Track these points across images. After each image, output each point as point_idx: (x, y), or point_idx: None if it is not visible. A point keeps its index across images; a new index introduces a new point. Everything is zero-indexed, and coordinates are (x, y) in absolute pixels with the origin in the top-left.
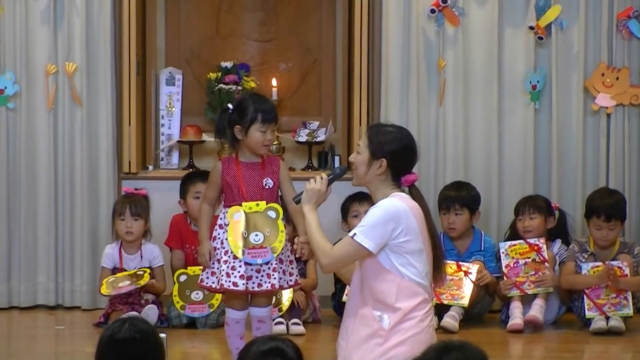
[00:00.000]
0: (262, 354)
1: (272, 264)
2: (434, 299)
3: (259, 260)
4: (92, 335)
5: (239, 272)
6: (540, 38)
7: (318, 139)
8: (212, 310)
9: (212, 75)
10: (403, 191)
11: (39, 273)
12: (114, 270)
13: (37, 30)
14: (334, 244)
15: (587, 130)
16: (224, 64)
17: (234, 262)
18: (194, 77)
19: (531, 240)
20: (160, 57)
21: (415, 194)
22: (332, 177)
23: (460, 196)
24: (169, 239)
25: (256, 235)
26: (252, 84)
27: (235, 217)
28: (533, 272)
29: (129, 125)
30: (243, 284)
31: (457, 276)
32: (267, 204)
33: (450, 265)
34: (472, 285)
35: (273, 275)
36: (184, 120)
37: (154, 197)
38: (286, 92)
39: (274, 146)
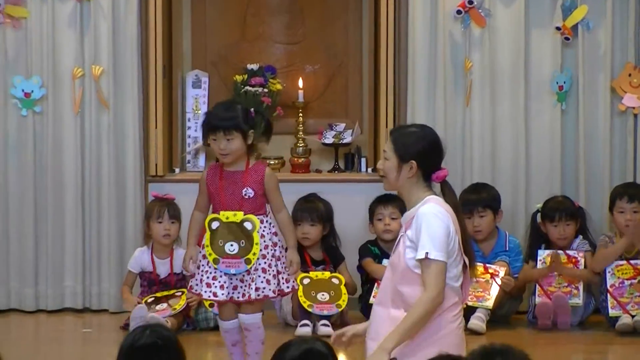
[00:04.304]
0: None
1: (252, 274)
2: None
3: (232, 271)
4: (119, 339)
5: (219, 282)
6: (567, 39)
7: (344, 141)
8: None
9: (238, 78)
10: (434, 193)
11: (66, 276)
12: (142, 275)
13: (63, 34)
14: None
15: (614, 130)
16: (250, 67)
17: (215, 272)
18: (220, 79)
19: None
20: (187, 59)
21: (447, 189)
22: None
23: (482, 198)
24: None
25: (231, 245)
26: (279, 86)
27: (213, 226)
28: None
29: (156, 128)
30: (223, 294)
31: (483, 278)
32: (244, 215)
33: (477, 267)
34: (497, 287)
35: (251, 285)
36: None
37: (180, 199)
38: (312, 94)
39: (300, 148)
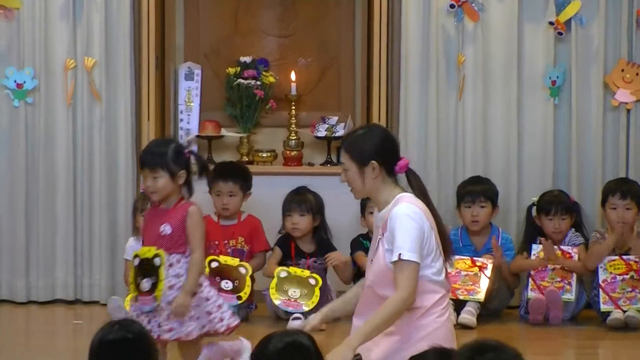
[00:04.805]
0: (280, 352)
1: (161, 313)
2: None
3: (146, 307)
4: None
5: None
6: (560, 34)
7: (337, 134)
8: (240, 302)
9: (231, 70)
10: (403, 188)
11: (57, 268)
12: None
13: (56, 25)
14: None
15: (606, 126)
16: (242, 59)
17: (136, 312)
18: (213, 72)
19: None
20: (179, 52)
21: (411, 176)
22: None
23: (484, 189)
24: None
25: (146, 281)
26: (271, 79)
27: (135, 263)
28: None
29: (148, 120)
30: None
31: (472, 271)
32: (156, 250)
33: (465, 261)
34: (487, 280)
35: (163, 325)
36: (202, 116)
37: None
38: (305, 87)
39: (292, 141)
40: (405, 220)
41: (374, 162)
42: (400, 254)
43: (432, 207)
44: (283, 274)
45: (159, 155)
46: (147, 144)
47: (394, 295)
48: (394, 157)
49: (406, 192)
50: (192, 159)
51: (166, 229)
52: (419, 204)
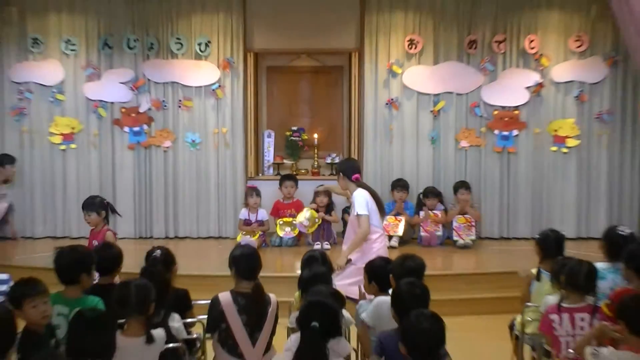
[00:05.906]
0: (305, 260)
1: None
2: (384, 232)
3: None
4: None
5: None
6: (435, 116)
7: (335, 162)
8: (294, 234)
9: (288, 133)
10: (360, 185)
11: (210, 223)
12: (245, 221)
13: (209, 112)
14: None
15: (457, 157)
16: (293, 128)
17: None
18: (279, 134)
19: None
20: (264, 123)
21: (361, 183)
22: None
23: (406, 184)
24: (272, 212)
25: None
26: (305, 137)
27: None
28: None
29: (251, 155)
30: None
31: (395, 223)
32: None
33: (392, 218)
34: (402, 226)
35: None
36: (275, 153)
37: (261, 187)
38: (322, 140)
39: (315, 164)
40: (357, 197)
41: (341, 173)
42: (357, 212)
43: (374, 192)
44: (281, 222)
45: (92, 204)
46: (87, 197)
47: (356, 234)
48: (351, 173)
49: (360, 187)
50: (109, 207)
51: (95, 243)
52: (364, 190)
